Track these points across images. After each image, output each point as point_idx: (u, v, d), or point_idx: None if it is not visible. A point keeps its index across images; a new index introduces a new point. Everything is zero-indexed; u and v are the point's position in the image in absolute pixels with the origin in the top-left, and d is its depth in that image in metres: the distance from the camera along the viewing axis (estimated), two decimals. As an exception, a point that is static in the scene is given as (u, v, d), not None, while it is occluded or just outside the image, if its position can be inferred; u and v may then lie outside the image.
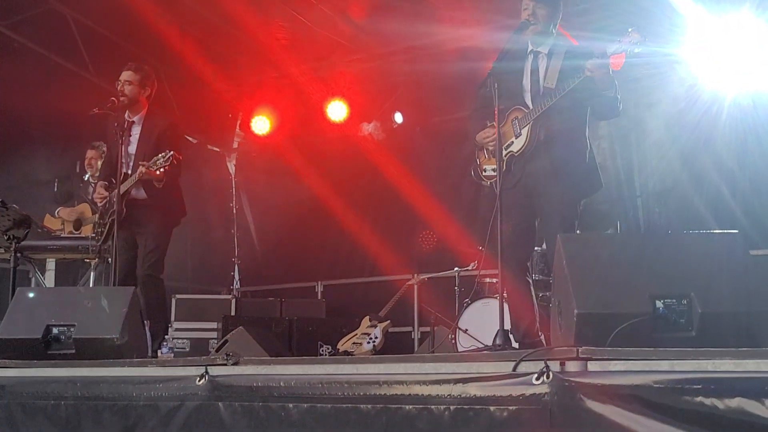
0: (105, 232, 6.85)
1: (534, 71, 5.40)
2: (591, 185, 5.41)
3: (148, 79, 6.93)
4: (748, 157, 8.31)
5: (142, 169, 6.52)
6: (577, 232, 5.37)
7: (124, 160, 6.67)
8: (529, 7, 5.39)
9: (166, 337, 6.72)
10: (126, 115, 6.83)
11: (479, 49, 8.35)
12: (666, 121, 8.43)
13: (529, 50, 5.46)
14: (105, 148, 8.08)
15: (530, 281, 5.47)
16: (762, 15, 7.55)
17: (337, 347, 8.44)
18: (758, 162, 8.26)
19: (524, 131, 5.31)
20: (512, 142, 5.37)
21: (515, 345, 5.18)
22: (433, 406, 3.22)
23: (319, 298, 10.99)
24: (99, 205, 7.04)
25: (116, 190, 6.55)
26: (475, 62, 7.88)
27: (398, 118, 10.74)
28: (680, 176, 8.67)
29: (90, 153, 8.43)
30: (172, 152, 6.44)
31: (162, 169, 6.47)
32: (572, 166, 5.29)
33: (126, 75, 6.84)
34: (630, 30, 5.00)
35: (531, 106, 5.33)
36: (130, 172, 6.69)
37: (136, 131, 6.83)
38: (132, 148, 6.79)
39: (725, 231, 4.15)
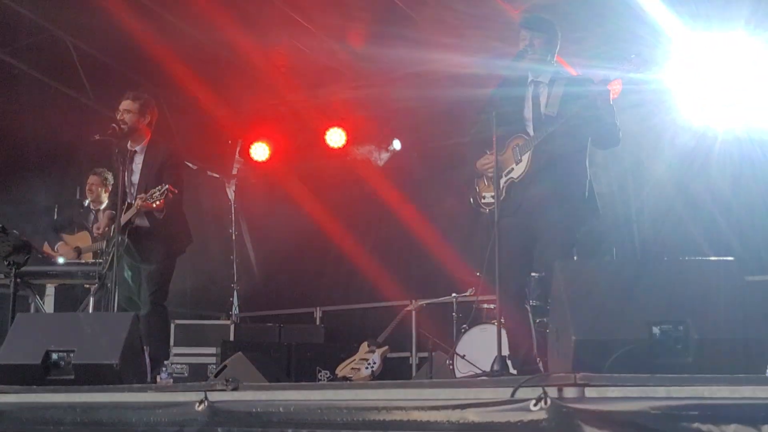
0: (110, 260, 6.85)
1: (535, 100, 5.44)
2: (589, 214, 5.44)
3: (148, 107, 6.95)
4: (743, 182, 8.34)
5: (138, 201, 6.57)
6: (575, 258, 5.39)
7: (127, 190, 6.70)
8: (526, 37, 5.44)
9: (165, 362, 6.73)
10: (128, 145, 6.86)
11: (477, 76, 8.39)
12: (661, 147, 8.47)
13: (529, 80, 5.50)
14: (107, 175, 8.13)
15: (528, 307, 5.48)
16: (757, 40, 7.61)
17: (336, 372, 8.45)
18: (752, 187, 8.30)
19: (525, 158, 5.34)
20: (512, 168, 5.40)
21: (513, 371, 5.20)
22: (431, 432, 3.24)
23: (318, 323, 11.01)
24: (98, 234, 7.07)
25: (117, 221, 6.59)
26: (473, 89, 7.93)
27: (396, 145, 10.79)
28: (675, 202, 8.70)
29: (92, 179, 8.45)
30: (167, 186, 6.46)
31: (158, 202, 6.50)
32: (571, 191, 5.31)
33: (125, 104, 6.87)
34: (633, 56, 5.06)
35: (532, 134, 5.37)
36: (133, 202, 6.72)
37: (138, 161, 6.85)
38: (135, 178, 6.81)
39: (721, 258, 4.17)
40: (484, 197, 5.62)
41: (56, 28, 9.08)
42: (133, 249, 6.71)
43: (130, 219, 6.65)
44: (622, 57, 5.15)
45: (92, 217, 8.30)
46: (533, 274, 5.92)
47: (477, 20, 8.35)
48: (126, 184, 6.70)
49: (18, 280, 6.80)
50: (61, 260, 7.90)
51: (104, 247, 7.05)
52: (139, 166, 6.84)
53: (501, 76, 5.45)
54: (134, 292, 6.74)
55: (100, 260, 7.05)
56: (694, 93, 8.19)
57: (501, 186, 5.37)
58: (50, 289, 7.99)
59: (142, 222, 6.79)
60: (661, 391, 3.00)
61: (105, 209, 7.92)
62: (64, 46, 9.32)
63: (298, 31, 8.97)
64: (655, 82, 7.72)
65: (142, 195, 6.55)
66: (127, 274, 6.74)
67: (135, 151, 6.86)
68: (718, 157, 8.30)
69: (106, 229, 6.91)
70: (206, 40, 9.25)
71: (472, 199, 5.74)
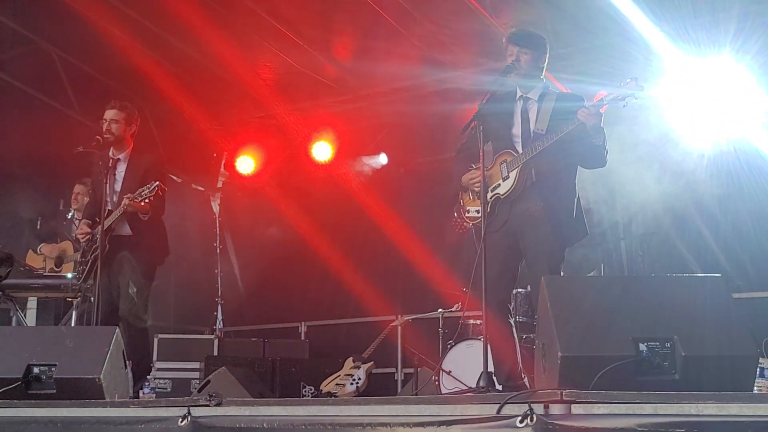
0: (87, 270, 6.80)
1: (524, 116, 5.43)
2: (576, 232, 5.43)
3: (133, 117, 6.99)
4: (730, 200, 8.38)
5: (126, 200, 6.52)
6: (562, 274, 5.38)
7: (108, 198, 6.67)
8: (513, 53, 5.43)
9: (148, 377, 6.68)
10: (111, 153, 6.85)
11: (464, 92, 8.44)
12: (648, 163, 8.49)
13: (518, 96, 5.49)
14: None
15: (512, 323, 5.46)
16: (742, 60, 7.65)
17: (320, 388, 8.42)
18: (739, 205, 8.33)
19: (512, 174, 5.32)
20: (499, 184, 5.38)
21: (499, 387, 5.18)
22: (417, 449, 3.21)
23: (303, 338, 10.96)
24: (82, 242, 7.01)
25: (100, 227, 6.53)
26: (460, 104, 7.96)
27: (383, 159, 10.78)
28: (663, 219, 8.72)
29: (78, 188, 8.40)
30: (157, 182, 6.45)
31: (147, 200, 6.47)
32: (559, 209, 5.30)
33: (111, 114, 6.87)
34: (629, 80, 5.06)
35: (521, 151, 5.35)
36: (115, 209, 6.68)
37: (121, 168, 6.85)
38: (117, 186, 6.80)
39: (708, 274, 4.17)
40: (468, 211, 5.60)
41: (41, 39, 9.04)
42: (112, 258, 6.65)
43: (111, 225, 6.61)
44: (616, 79, 5.15)
45: (75, 227, 8.24)
46: (519, 290, 5.89)
47: (465, 36, 8.36)
48: (108, 192, 6.67)
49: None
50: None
51: (80, 257, 7.00)
52: (122, 173, 6.83)
53: (488, 90, 5.42)
54: (136, 305, 6.71)
55: (78, 273, 7.00)
56: (683, 111, 8.20)
57: (487, 201, 5.34)
58: (32, 302, 7.93)
59: (123, 229, 6.75)
60: (647, 408, 2.99)
61: (81, 219, 7.88)
62: (49, 58, 9.28)
63: (284, 44, 8.94)
64: (643, 99, 7.75)
65: (129, 195, 6.51)
66: (132, 290, 6.70)
67: (118, 159, 6.86)
68: (705, 174, 8.33)
69: (88, 234, 6.86)
70: (192, 53, 9.21)
71: (456, 213, 5.72)
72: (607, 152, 5.36)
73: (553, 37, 7.75)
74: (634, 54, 7.57)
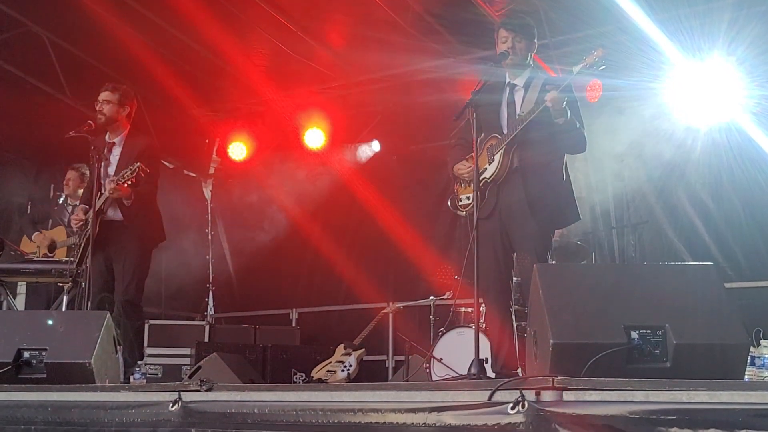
0: (80, 254, 6.76)
1: (510, 104, 5.44)
2: (566, 217, 5.43)
3: (127, 99, 6.91)
4: (722, 190, 8.40)
5: (111, 184, 6.47)
6: (552, 262, 5.38)
7: (103, 182, 6.63)
8: (507, 40, 5.42)
9: (139, 362, 6.66)
10: (107, 137, 6.82)
11: (455, 80, 8.44)
12: (641, 154, 8.50)
13: (506, 82, 5.49)
14: (85, 170, 8.05)
15: (512, 311, 5.45)
16: (736, 49, 7.65)
17: (311, 375, 8.42)
18: (731, 195, 8.35)
19: (497, 157, 5.34)
20: (486, 168, 5.39)
21: (490, 374, 5.19)
22: (408, 435, 3.21)
23: (294, 325, 10.96)
24: (76, 228, 6.97)
25: (92, 212, 6.50)
26: (451, 93, 7.95)
27: (375, 146, 10.77)
28: (654, 209, 8.74)
29: (70, 174, 8.36)
30: (138, 164, 6.40)
31: (129, 182, 6.42)
32: (547, 199, 5.31)
33: (104, 95, 6.83)
34: (594, 51, 5.04)
35: (505, 133, 5.35)
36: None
37: (116, 152, 6.81)
38: (111, 170, 6.74)
39: (700, 263, 4.17)
40: (461, 200, 5.63)
41: (33, 23, 8.98)
42: (105, 244, 6.62)
43: (101, 208, 6.56)
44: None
45: (68, 213, 8.21)
46: (514, 278, 5.89)
47: (460, 24, 8.34)
48: (102, 176, 6.63)
49: (-11, 277, 6.74)
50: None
51: (77, 241, 6.96)
52: (117, 157, 6.78)
53: (480, 79, 5.41)
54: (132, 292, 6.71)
55: (71, 258, 6.96)
56: (675, 101, 8.21)
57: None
58: (22, 287, 7.90)
59: (115, 215, 6.71)
60: (639, 396, 2.99)
61: (79, 203, 7.87)
62: (41, 42, 9.22)
63: (278, 30, 8.91)
64: (633, 89, 7.75)
65: (113, 178, 6.47)
66: (127, 272, 6.70)
67: (113, 143, 6.82)
68: (697, 164, 8.36)
69: (82, 220, 6.82)
70: (185, 38, 9.18)
71: (449, 202, 5.74)
72: (583, 136, 5.35)
73: (546, 25, 7.76)
74: (628, 44, 7.56)
